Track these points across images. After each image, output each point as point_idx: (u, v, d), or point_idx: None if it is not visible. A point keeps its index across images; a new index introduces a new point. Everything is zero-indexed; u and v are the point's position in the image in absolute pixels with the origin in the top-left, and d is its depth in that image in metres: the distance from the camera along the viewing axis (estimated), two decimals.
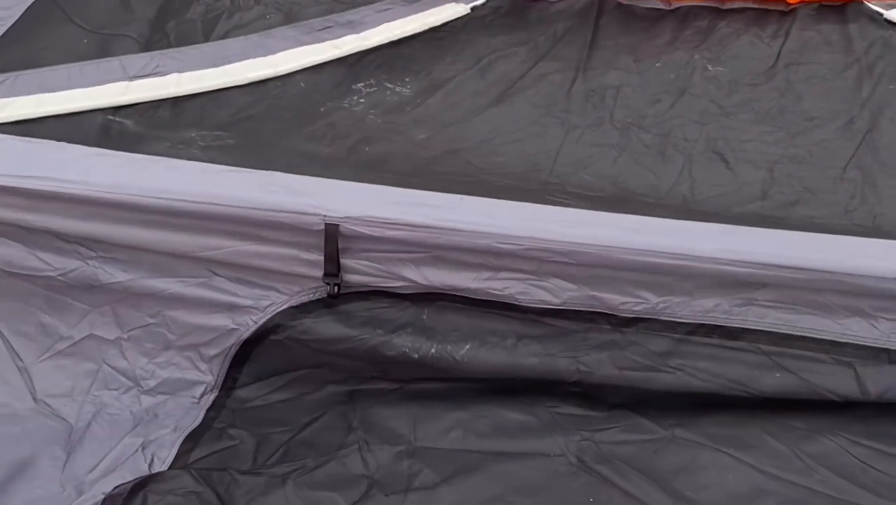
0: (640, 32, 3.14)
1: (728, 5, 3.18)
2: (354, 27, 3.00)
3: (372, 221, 2.17)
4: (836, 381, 2.02)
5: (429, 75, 2.97)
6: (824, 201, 2.43)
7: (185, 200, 2.19)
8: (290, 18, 3.00)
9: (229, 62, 2.78)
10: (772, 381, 2.03)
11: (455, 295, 2.23)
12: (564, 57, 3.05)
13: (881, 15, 3.09)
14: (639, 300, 2.14)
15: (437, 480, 1.93)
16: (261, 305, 2.36)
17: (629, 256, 2.08)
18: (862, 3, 3.14)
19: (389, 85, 2.87)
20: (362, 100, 2.78)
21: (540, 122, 2.78)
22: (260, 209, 2.21)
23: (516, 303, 2.19)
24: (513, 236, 2.11)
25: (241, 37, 2.90)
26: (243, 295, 2.36)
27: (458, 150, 2.63)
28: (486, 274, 2.20)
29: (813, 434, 1.92)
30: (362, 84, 2.83)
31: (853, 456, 1.88)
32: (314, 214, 2.20)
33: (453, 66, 3.02)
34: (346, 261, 2.25)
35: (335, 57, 2.88)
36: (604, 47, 3.09)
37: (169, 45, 2.84)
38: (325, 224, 2.17)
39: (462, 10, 3.16)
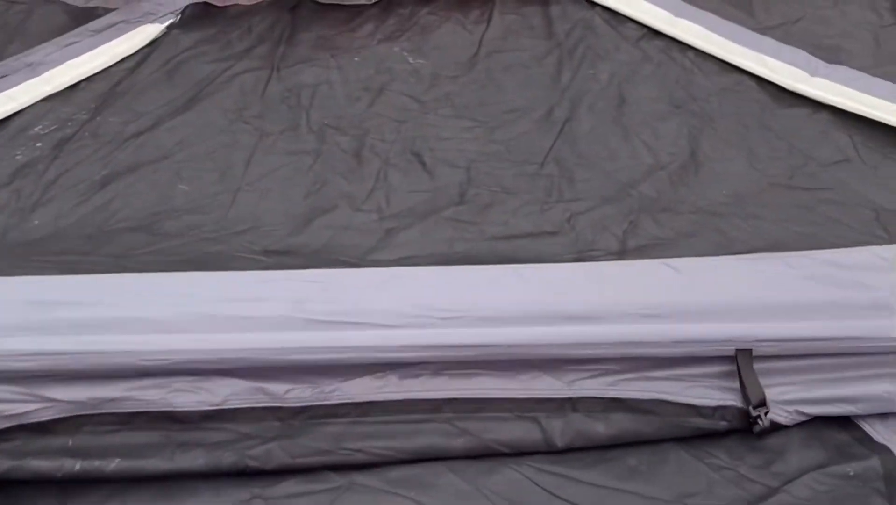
0: (339, 25, 2.96)
1: None
2: (35, 70, 2.69)
3: None
4: (521, 436, 1.91)
5: (110, 85, 2.70)
6: (520, 200, 2.31)
7: None
8: None
9: None
10: (458, 445, 1.89)
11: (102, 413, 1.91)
12: (259, 55, 2.83)
13: None
14: (306, 386, 1.94)
15: None
16: None
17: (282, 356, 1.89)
18: None
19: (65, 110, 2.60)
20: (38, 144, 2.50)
21: (230, 129, 2.56)
22: None
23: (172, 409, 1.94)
24: (161, 352, 1.86)
25: None
26: None
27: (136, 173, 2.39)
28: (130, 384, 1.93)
29: (496, 466, 1.80)
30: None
31: (539, 486, 1.77)
32: None
33: (137, 70, 2.76)
34: None
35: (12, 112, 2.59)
36: (300, 42, 2.89)
37: None
38: None
39: (157, 30, 2.89)
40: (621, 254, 2.12)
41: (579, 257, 2.14)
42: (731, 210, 2.25)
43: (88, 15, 2.94)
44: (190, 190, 2.36)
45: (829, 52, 2.70)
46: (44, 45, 2.79)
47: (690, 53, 2.76)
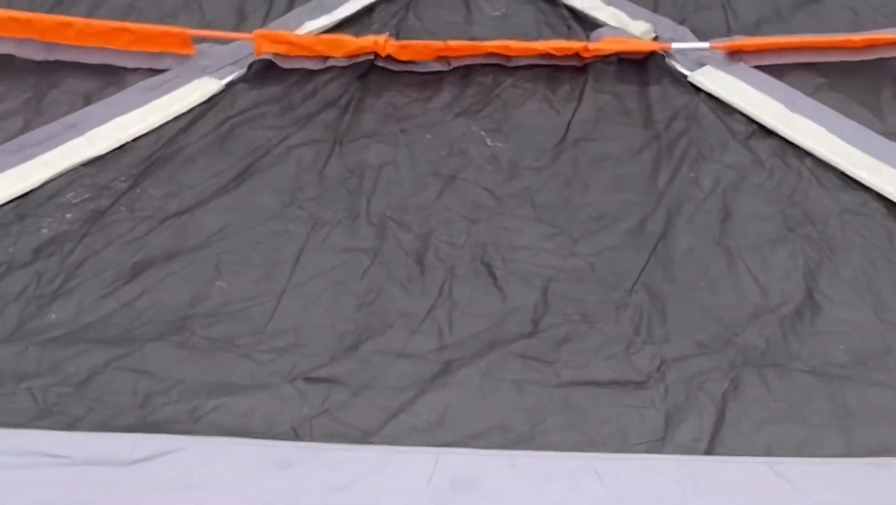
0: (412, 93, 2.65)
1: (515, 62, 2.70)
2: (77, 129, 2.42)
3: None
4: None
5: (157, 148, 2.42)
6: (603, 336, 1.99)
7: None
8: None
9: None
10: None
11: None
12: (321, 124, 2.52)
13: (685, 77, 2.66)
14: None
15: None
16: None
17: None
18: (664, 57, 2.70)
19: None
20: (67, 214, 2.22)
21: (282, 214, 2.26)
22: None
23: None
24: None
25: None
26: None
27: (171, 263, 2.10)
28: None
29: None
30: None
31: None
32: None
33: (189, 131, 2.47)
34: None
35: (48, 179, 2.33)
36: (368, 111, 2.58)
37: None
38: None
39: (216, 86, 2.60)
40: (718, 427, 1.78)
41: (667, 423, 1.80)
42: (851, 373, 1.90)
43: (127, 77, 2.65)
44: (229, 288, 2.07)
45: None
46: (92, 105, 2.51)
47: (808, 161, 2.40)
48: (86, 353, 1.90)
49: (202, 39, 2.74)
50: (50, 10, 2.84)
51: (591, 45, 2.68)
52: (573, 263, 2.16)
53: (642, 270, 2.14)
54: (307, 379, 1.88)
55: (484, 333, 2.00)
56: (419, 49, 2.71)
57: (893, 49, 2.63)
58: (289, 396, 1.85)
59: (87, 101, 2.57)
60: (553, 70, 2.71)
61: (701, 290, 2.09)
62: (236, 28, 2.87)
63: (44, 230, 2.18)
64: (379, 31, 2.82)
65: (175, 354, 1.91)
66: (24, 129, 2.46)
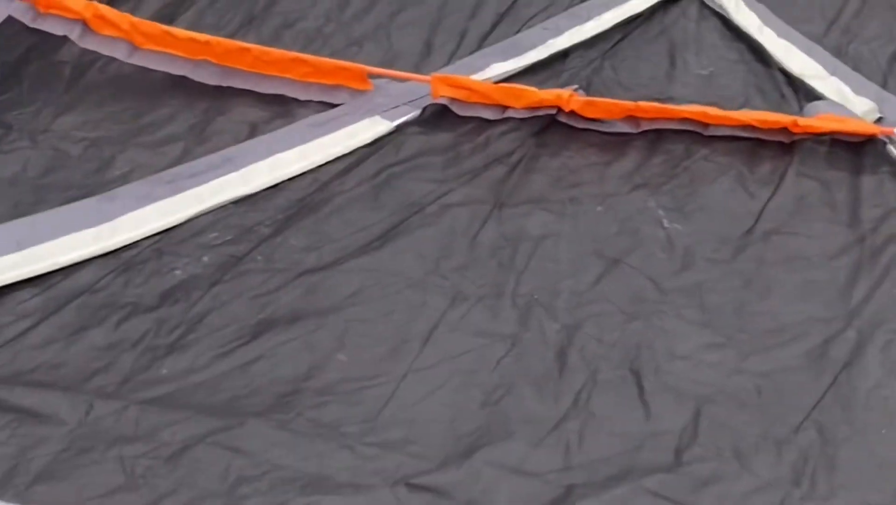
0: (591, 156, 2.40)
1: (713, 131, 2.41)
2: (234, 164, 2.32)
3: None
4: None
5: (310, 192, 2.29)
6: (755, 481, 1.70)
7: None
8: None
9: None
10: None
11: None
12: (485, 182, 2.32)
13: None
14: None
15: None
16: None
17: None
18: (886, 143, 2.35)
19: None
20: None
21: (422, 283, 2.08)
22: None
23: None
24: None
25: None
26: None
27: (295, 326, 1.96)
28: None
29: None
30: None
31: None
32: None
33: (346, 177, 2.33)
34: None
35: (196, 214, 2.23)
36: (538, 171, 2.36)
37: None
38: None
39: (385, 128, 2.45)
40: None
41: None
42: None
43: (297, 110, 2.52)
44: (348, 362, 1.91)
45: None
46: (255, 139, 2.40)
47: None
48: (185, 421, 1.78)
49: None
50: (238, 28, 2.76)
51: (801, 121, 2.36)
52: (737, 382, 1.88)
53: (817, 403, 1.83)
54: (410, 485, 1.69)
55: (618, 457, 1.75)
56: (606, 107, 2.47)
57: None
58: (386, 502, 1.66)
59: (253, 131, 2.46)
60: (755, 144, 2.41)
61: (884, 438, 1.76)
62: (421, 62, 2.71)
63: (177, 271, 2.08)
64: (569, 81, 2.59)
65: (276, 436, 1.76)
66: (184, 156, 2.37)
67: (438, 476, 1.71)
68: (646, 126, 2.43)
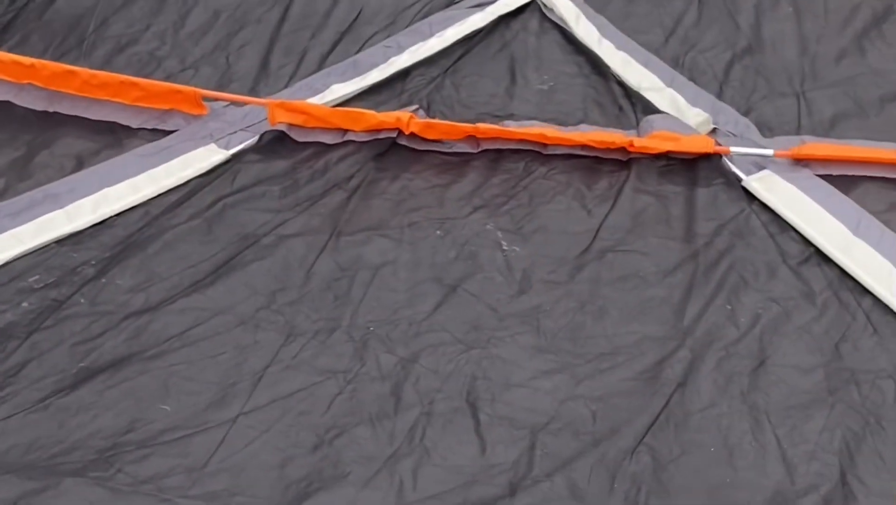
0: (431, 177, 2.36)
1: (552, 150, 2.39)
2: (57, 201, 2.20)
3: None
4: None
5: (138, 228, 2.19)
6: None
7: None
8: None
9: None
10: None
11: None
12: (322, 210, 2.26)
13: (741, 180, 2.31)
14: None
15: None
16: None
17: None
18: (722, 157, 2.36)
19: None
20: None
21: (254, 320, 2.00)
22: None
23: None
24: None
25: None
26: None
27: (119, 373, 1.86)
28: None
29: None
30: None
31: None
32: None
33: (178, 210, 2.24)
34: None
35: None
36: (377, 196, 2.30)
37: None
38: None
39: (220, 157, 2.36)
40: None
41: None
42: None
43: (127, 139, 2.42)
44: (173, 413, 1.82)
45: None
46: (82, 172, 2.29)
47: (867, 301, 2.03)
48: None
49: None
50: (67, 52, 2.63)
51: (637, 142, 2.35)
52: (571, 408, 1.86)
53: (650, 426, 1.82)
54: None
55: (451, 493, 1.71)
56: (446, 129, 2.43)
57: None
58: None
59: (80, 164, 2.35)
60: (593, 161, 2.39)
61: (716, 460, 1.76)
62: (259, 84, 2.63)
63: None
64: (410, 101, 2.54)
65: (94, 494, 1.68)
66: (4, 193, 2.26)
67: None
68: (486, 145, 2.40)
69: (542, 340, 1.97)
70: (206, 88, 2.53)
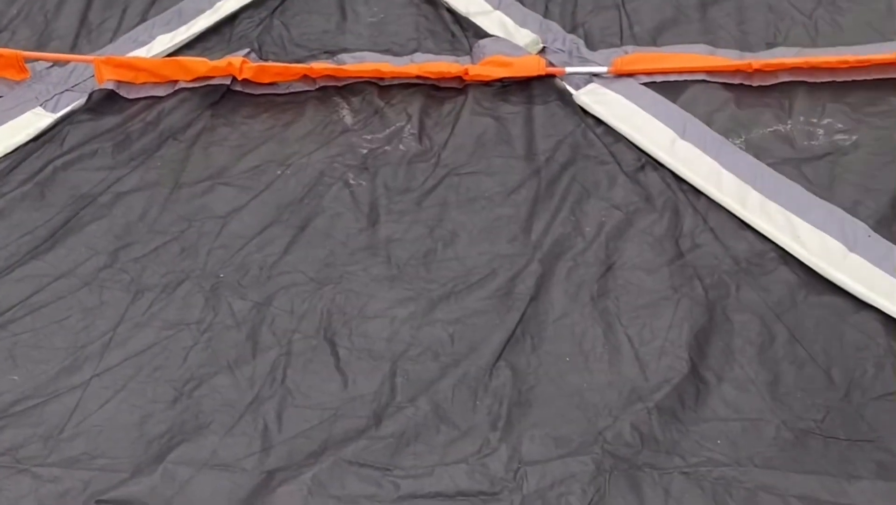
0: (271, 120, 2.28)
1: (388, 81, 2.34)
2: None
3: None
4: None
5: None
6: (454, 432, 1.68)
7: None
8: None
9: None
10: None
11: None
12: (159, 162, 2.16)
13: (571, 95, 2.31)
14: None
15: None
16: None
17: None
18: (554, 77, 2.35)
19: None
20: None
21: (98, 280, 1.91)
22: None
23: None
24: None
25: None
26: None
27: None
28: None
29: None
30: None
31: None
32: None
33: (7, 178, 2.11)
34: None
35: None
36: (217, 144, 2.22)
37: None
38: None
39: (46, 121, 2.23)
40: None
41: None
42: (735, 473, 1.59)
43: None
44: (22, 382, 1.73)
45: None
46: None
47: (703, 201, 2.06)
48: None
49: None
50: None
51: (471, 70, 2.33)
52: (429, 333, 1.84)
53: (507, 341, 1.81)
54: (100, 502, 1.55)
55: (315, 430, 1.68)
56: (279, 71, 2.36)
57: (803, 73, 2.29)
58: None
59: None
60: (431, 89, 2.35)
61: (572, 370, 1.77)
62: (82, 41, 2.50)
63: None
64: (240, 45, 2.45)
65: None
66: None
67: (131, 487, 1.58)
68: (322, 83, 2.34)
69: (395, 270, 1.94)
70: (26, 50, 2.39)
